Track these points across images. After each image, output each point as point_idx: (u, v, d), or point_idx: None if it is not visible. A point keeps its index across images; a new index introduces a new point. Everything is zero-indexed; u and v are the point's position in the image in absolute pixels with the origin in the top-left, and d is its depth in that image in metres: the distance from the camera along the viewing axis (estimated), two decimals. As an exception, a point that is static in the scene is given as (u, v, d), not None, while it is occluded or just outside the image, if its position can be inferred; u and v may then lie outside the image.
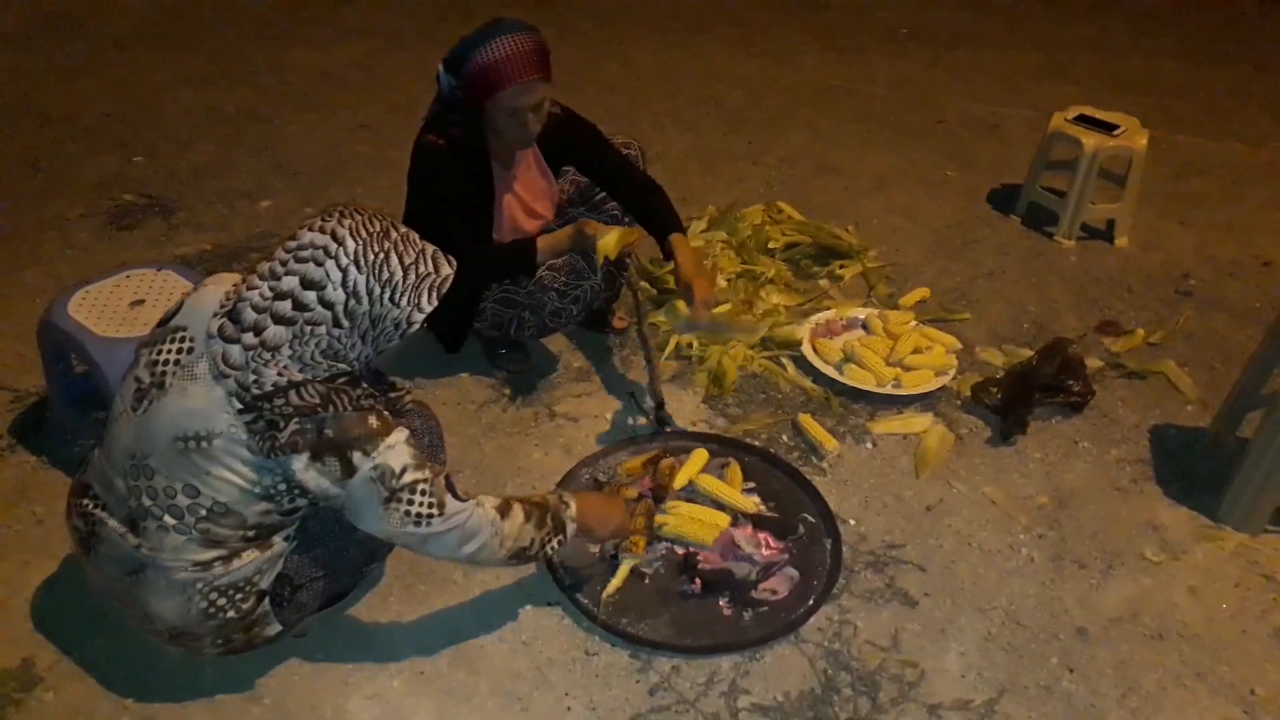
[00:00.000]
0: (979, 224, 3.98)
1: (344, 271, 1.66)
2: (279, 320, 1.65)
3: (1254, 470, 2.50)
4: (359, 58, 5.35)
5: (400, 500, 1.72)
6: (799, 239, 3.64)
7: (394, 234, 1.73)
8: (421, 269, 1.74)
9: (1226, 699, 2.13)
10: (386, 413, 1.75)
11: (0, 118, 4.48)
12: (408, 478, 1.72)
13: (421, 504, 1.74)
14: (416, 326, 1.76)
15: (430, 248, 1.78)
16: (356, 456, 1.68)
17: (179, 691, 2.01)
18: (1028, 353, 3.08)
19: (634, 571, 2.26)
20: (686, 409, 2.87)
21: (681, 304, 2.94)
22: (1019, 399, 2.84)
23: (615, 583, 2.23)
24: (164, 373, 1.72)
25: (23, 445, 2.60)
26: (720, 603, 2.22)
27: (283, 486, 1.73)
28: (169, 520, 1.72)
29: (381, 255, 1.68)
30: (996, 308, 3.43)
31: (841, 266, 3.57)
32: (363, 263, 1.66)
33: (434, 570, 2.29)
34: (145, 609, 1.82)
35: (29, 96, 4.70)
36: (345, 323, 1.68)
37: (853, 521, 2.51)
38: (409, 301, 1.72)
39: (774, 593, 2.24)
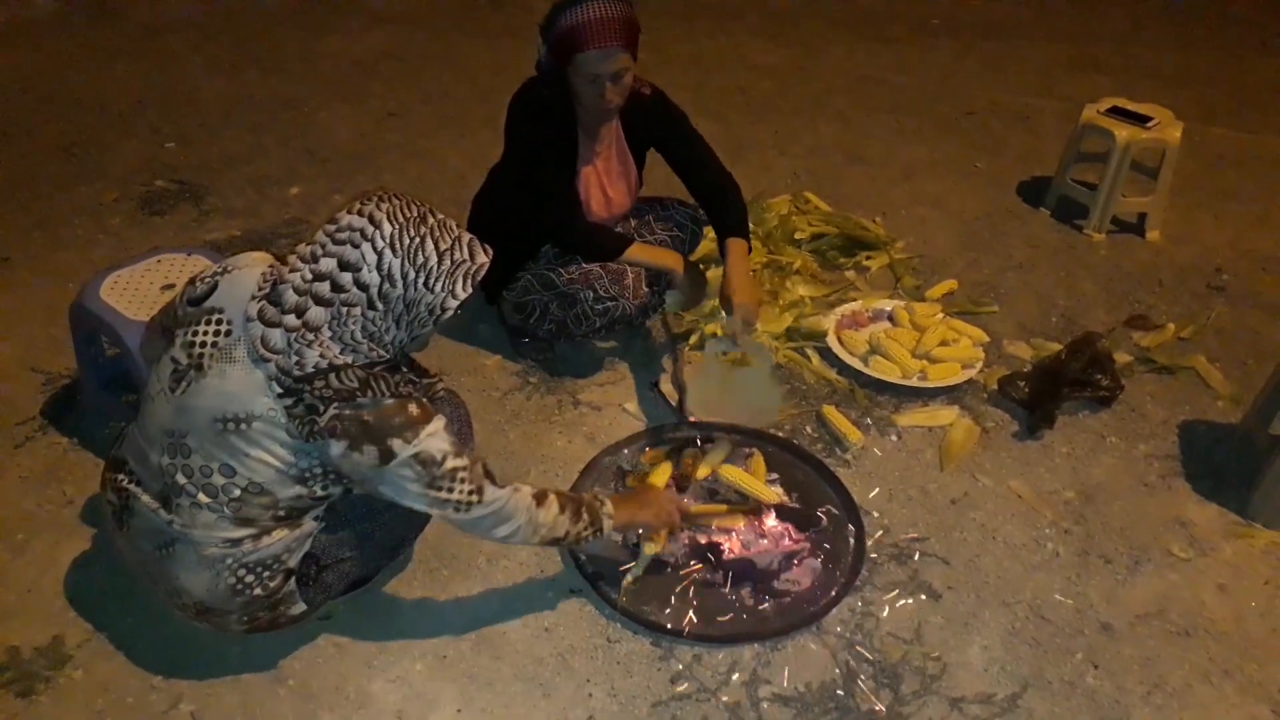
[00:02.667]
0: (1008, 216, 3.94)
1: (379, 254, 1.66)
2: (319, 301, 1.67)
3: (1286, 467, 2.47)
4: (390, 46, 5.38)
5: (441, 487, 1.74)
6: (826, 229, 3.63)
7: (431, 220, 1.73)
8: (457, 255, 1.74)
9: (1254, 697, 2.10)
10: (425, 399, 1.76)
11: (35, 102, 4.56)
12: (449, 464, 1.74)
13: (462, 490, 1.77)
14: (451, 313, 1.76)
15: (468, 235, 1.78)
16: (397, 444, 1.69)
17: (206, 670, 2.04)
18: (1056, 346, 3.05)
19: (656, 560, 2.26)
20: (708, 399, 2.86)
21: (714, 327, 2.97)
22: (1047, 393, 2.82)
23: (637, 570, 2.23)
24: (201, 354, 1.73)
25: (55, 427, 2.64)
26: (743, 592, 2.22)
27: (319, 470, 1.75)
28: (203, 498, 1.75)
29: (417, 240, 1.69)
30: (1025, 301, 3.40)
31: (868, 258, 3.55)
32: (398, 246, 1.67)
33: (457, 555, 2.31)
34: (174, 583, 1.85)
35: (64, 82, 4.77)
36: (380, 305, 1.69)
37: (876, 513, 2.50)
38: (443, 287, 1.73)
39: (796, 583, 2.24)
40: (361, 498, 1.90)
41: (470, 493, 1.78)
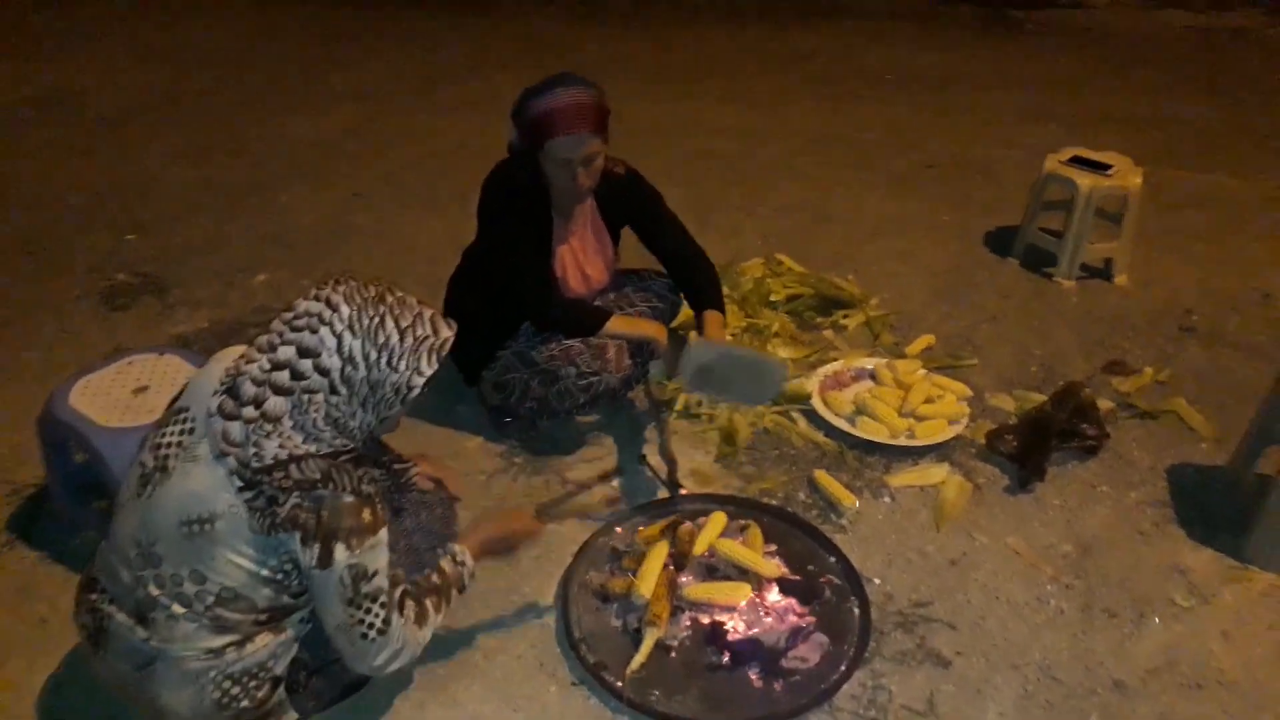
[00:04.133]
0: (978, 267, 3.98)
1: (339, 337, 1.62)
2: (278, 391, 1.62)
3: (1279, 508, 2.47)
4: (351, 124, 5.38)
5: (359, 606, 1.67)
6: (800, 290, 3.64)
7: (389, 298, 1.69)
8: (419, 331, 1.70)
9: (1272, 748, 2.08)
10: (380, 505, 1.70)
11: (-10, 200, 4.48)
12: (375, 583, 1.67)
13: (376, 616, 1.69)
14: (418, 390, 1.71)
15: (429, 310, 1.74)
16: (339, 550, 1.62)
17: (195, 793, 1.93)
18: (1039, 397, 3.06)
19: (659, 645, 2.20)
20: (700, 469, 2.83)
21: (693, 334, 2.90)
22: (1036, 446, 2.81)
23: (640, 658, 2.16)
24: (166, 455, 1.68)
25: (22, 541, 2.53)
26: (750, 673, 2.16)
27: (289, 567, 1.68)
28: (178, 609, 1.68)
29: (376, 319, 1.65)
30: (1002, 352, 3.41)
31: (845, 316, 3.56)
32: (357, 327, 1.63)
33: (453, 653, 2.22)
34: (156, 703, 1.76)
35: (19, 177, 4.70)
36: (343, 390, 1.64)
37: (878, 580, 2.46)
38: (408, 365, 1.68)
39: (804, 660, 2.18)
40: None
41: (383, 621, 1.70)
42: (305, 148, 5.09)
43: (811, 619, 2.27)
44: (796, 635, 2.22)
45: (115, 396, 2.38)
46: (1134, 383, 3.24)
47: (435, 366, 1.71)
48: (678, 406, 3.04)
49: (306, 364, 1.62)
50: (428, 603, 1.85)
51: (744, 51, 6.71)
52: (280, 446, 1.61)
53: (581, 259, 2.76)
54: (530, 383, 2.75)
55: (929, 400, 3.02)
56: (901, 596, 2.42)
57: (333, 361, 1.62)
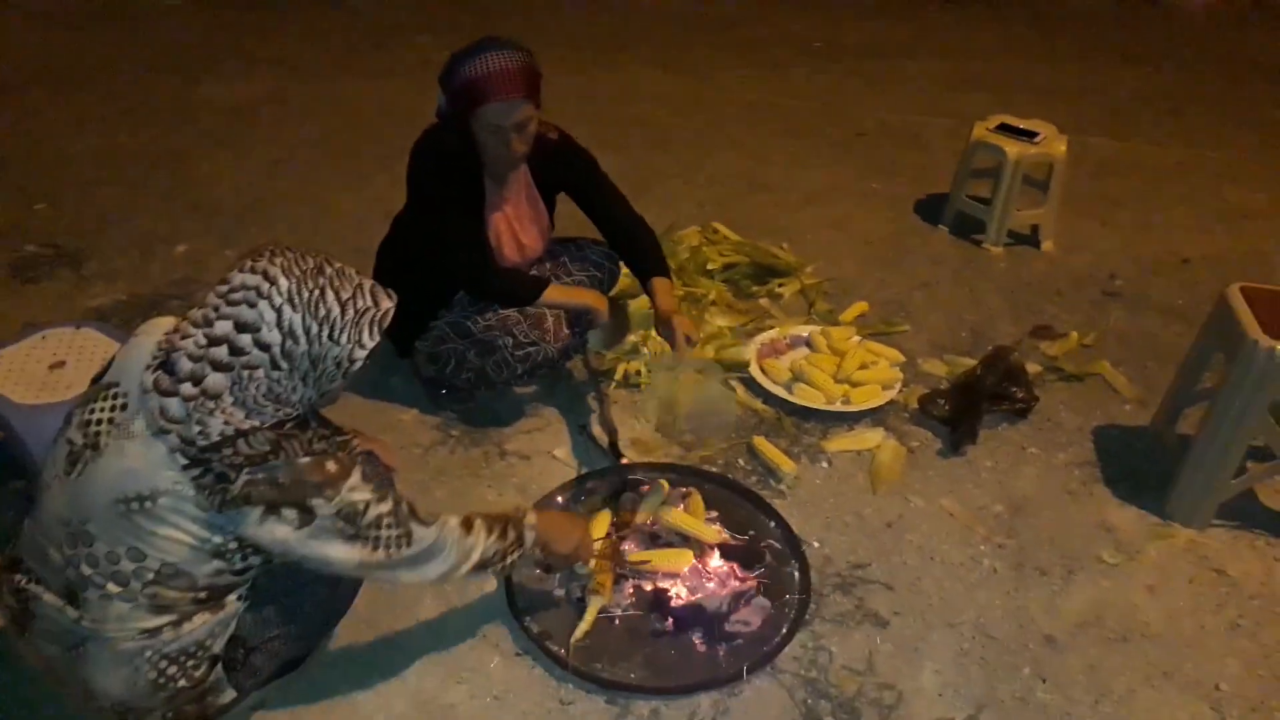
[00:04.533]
0: (909, 234, 4.03)
1: (278, 311, 1.57)
2: (217, 367, 1.57)
3: (1198, 467, 2.56)
4: (270, 91, 5.21)
5: (368, 537, 1.66)
6: (737, 259, 3.64)
7: (328, 270, 1.65)
8: (360, 303, 1.66)
9: (1194, 695, 2.16)
10: (341, 453, 1.67)
11: (-115, 171, 4.24)
12: (372, 512, 1.66)
13: (389, 536, 1.69)
14: (359, 363, 1.68)
15: (369, 282, 1.70)
16: (318, 503, 1.60)
17: (129, 777, 1.88)
18: (969, 361, 3.11)
19: (603, 613, 2.20)
20: (640, 438, 2.83)
21: (654, 345, 2.95)
22: (967, 409, 2.87)
23: (584, 626, 2.16)
24: (98, 432, 1.61)
25: (-65, 524, 2.43)
26: (694, 639, 2.18)
27: (234, 544, 1.64)
28: (112, 588, 1.62)
29: (316, 292, 1.60)
30: (934, 318, 3.47)
31: (780, 284, 3.57)
32: (297, 301, 1.58)
33: (394, 625, 2.20)
34: (89, 686, 1.70)
35: (-88, 146, 4.46)
36: (284, 364, 1.60)
37: (817, 543, 2.49)
38: (349, 338, 1.64)
39: (747, 624, 2.20)
40: (286, 571, 1.78)
41: (399, 537, 1.70)
42: (222, 114, 4.91)
43: (753, 583, 2.29)
44: (738, 599, 2.24)
45: (30, 373, 2.28)
46: (1060, 346, 3.32)
47: (377, 339, 1.68)
48: (617, 376, 3.03)
49: (246, 339, 1.57)
50: (477, 518, 1.85)
51: (671, 18, 6.66)
52: (225, 423, 1.56)
53: (516, 227, 2.71)
54: (466, 354, 2.70)
55: (863, 366, 3.06)
56: (840, 559, 2.45)
57: (273, 336, 1.57)
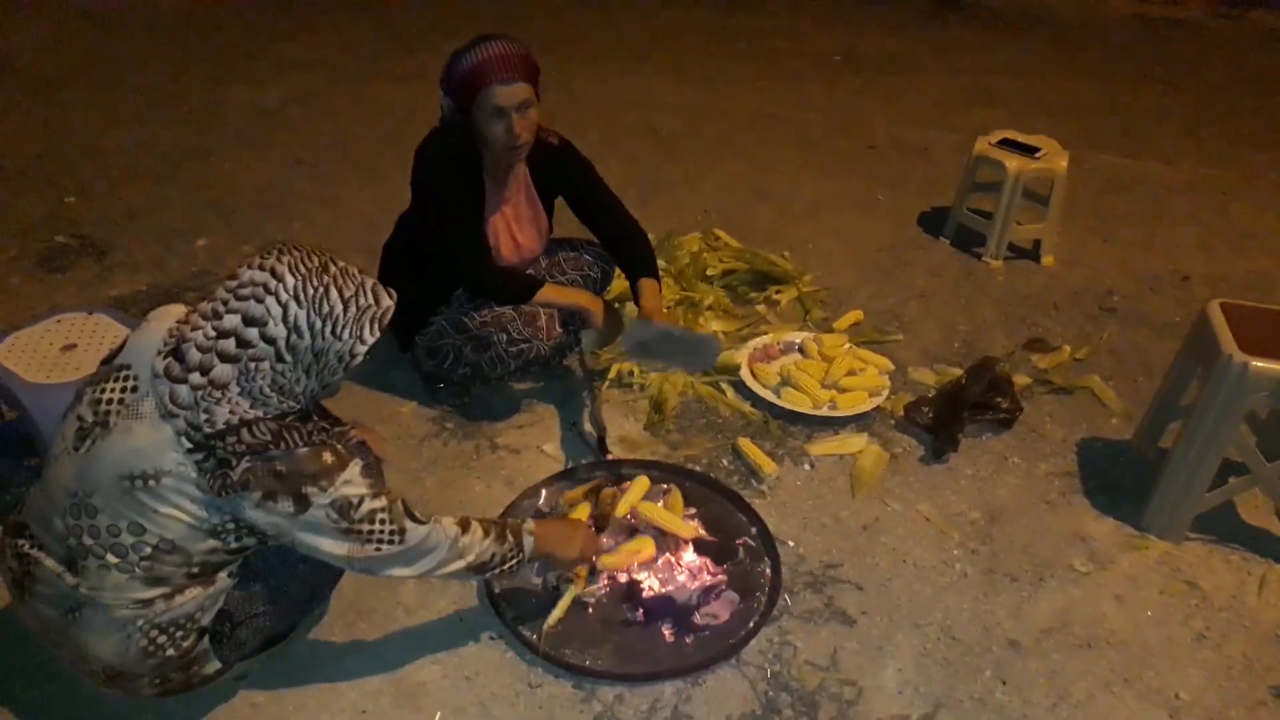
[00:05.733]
0: (910, 246, 4.08)
1: (284, 307, 1.67)
2: (224, 358, 1.66)
3: (1174, 479, 2.59)
4: (296, 93, 5.35)
5: (359, 531, 1.75)
6: (736, 265, 3.71)
7: (333, 268, 1.74)
8: (362, 301, 1.75)
9: (1153, 704, 2.20)
10: (340, 446, 1.76)
11: (-73, 161, 4.42)
12: (366, 507, 1.74)
13: (382, 531, 1.77)
14: (360, 358, 1.77)
15: (370, 280, 1.80)
16: (312, 492, 1.69)
17: (117, 740, 1.99)
18: (959, 372, 3.16)
19: (576, 601, 2.28)
20: (628, 436, 2.91)
21: (631, 308, 2.95)
22: (949, 417, 2.92)
23: (557, 614, 2.24)
24: (108, 411, 1.71)
25: (-48, 495, 2.55)
26: (663, 629, 2.25)
27: (231, 525, 1.73)
28: (111, 559, 1.71)
29: (321, 290, 1.70)
30: (928, 328, 3.52)
31: (778, 291, 3.64)
32: (302, 298, 1.68)
33: (375, 608, 2.29)
34: (82, 649, 1.80)
35: (-44, 138, 4.64)
36: (288, 357, 1.69)
37: (792, 543, 2.56)
38: (351, 334, 1.74)
39: (715, 617, 2.27)
40: (275, 551, 1.87)
41: (392, 533, 1.78)
42: (248, 115, 5.06)
43: (723, 578, 2.36)
44: (708, 593, 2.31)
45: (43, 354, 2.40)
46: (1052, 359, 3.36)
47: (377, 335, 1.77)
48: (610, 375, 3.11)
49: (253, 332, 1.66)
50: (474, 521, 1.94)
51: (691, 30, 6.75)
52: (230, 412, 1.66)
53: (514, 227, 2.81)
54: (463, 349, 2.80)
55: (851, 373, 3.11)
56: (813, 558, 2.52)
57: (278, 330, 1.66)
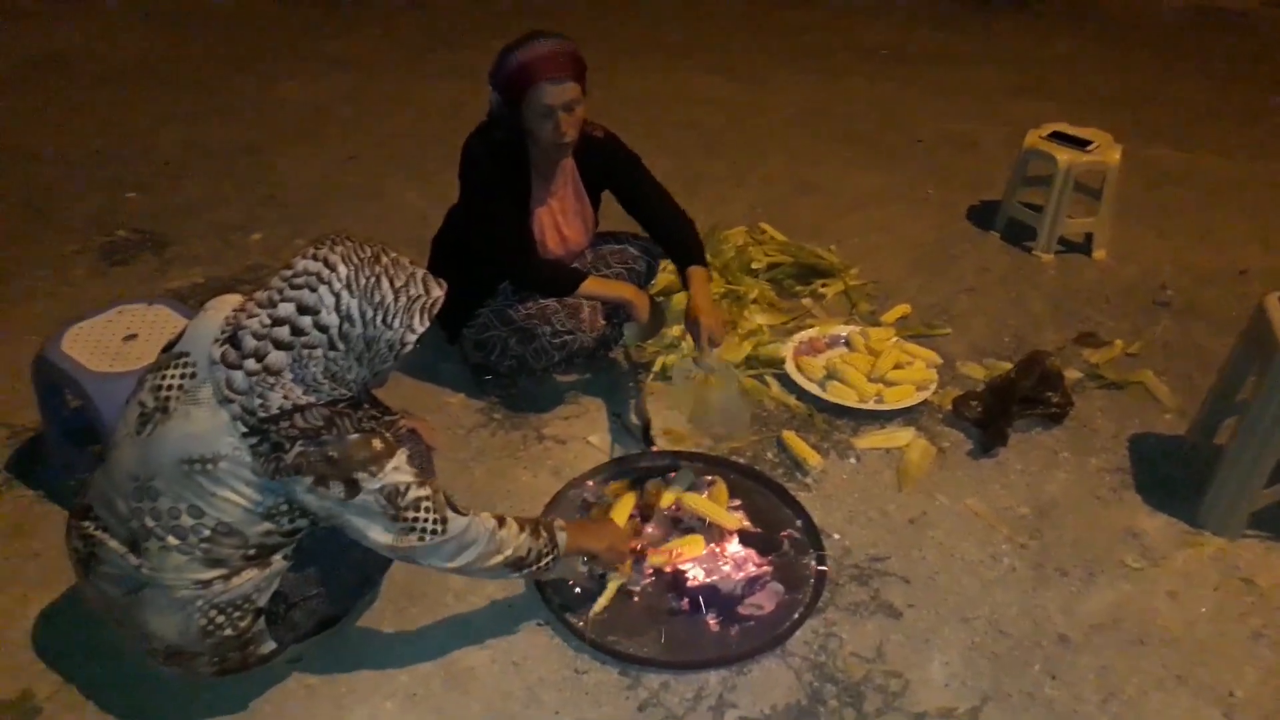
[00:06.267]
0: (959, 240, 4.05)
1: (337, 296, 1.71)
2: (279, 345, 1.71)
3: (1230, 475, 2.55)
4: (346, 90, 5.43)
5: (405, 518, 1.78)
6: (781, 259, 3.71)
7: (384, 259, 1.78)
8: (412, 291, 1.79)
9: (1206, 701, 2.17)
10: (389, 434, 1.80)
11: (-6, 158, 4.55)
12: (412, 495, 1.78)
13: (426, 520, 1.81)
14: (410, 346, 1.81)
15: (421, 271, 1.83)
16: (362, 477, 1.73)
17: (176, 715, 2.05)
18: (1008, 366, 3.13)
19: (622, 590, 2.30)
20: (673, 429, 2.92)
21: (688, 342, 2.98)
22: (999, 412, 2.89)
23: (603, 601, 2.27)
24: (167, 397, 1.77)
25: (20, 481, 2.63)
26: (708, 619, 2.26)
27: (284, 507, 1.78)
28: (172, 540, 1.77)
29: (373, 280, 1.73)
30: (977, 322, 3.49)
31: (824, 285, 3.63)
32: (355, 287, 1.72)
33: (426, 593, 2.33)
34: (144, 628, 1.86)
35: (21, 137, 4.76)
36: (341, 345, 1.73)
37: (837, 535, 2.55)
38: (401, 323, 1.77)
39: (760, 607, 2.28)
40: (328, 535, 1.91)
41: (434, 521, 1.82)
42: (300, 111, 5.15)
43: (768, 569, 2.36)
44: (753, 584, 2.32)
45: (105, 344, 2.47)
46: (1104, 354, 3.31)
47: (427, 324, 1.81)
48: (655, 368, 3.12)
49: (306, 320, 1.71)
50: (510, 518, 1.98)
51: (737, 25, 6.73)
52: (284, 398, 1.71)
53: (560, 221, 2.83)
54: (509, 341, 2.83)
55: (898, 366, 3.10)
56: (859, 551, 2.51)
57: (331, 319, 1.70)
